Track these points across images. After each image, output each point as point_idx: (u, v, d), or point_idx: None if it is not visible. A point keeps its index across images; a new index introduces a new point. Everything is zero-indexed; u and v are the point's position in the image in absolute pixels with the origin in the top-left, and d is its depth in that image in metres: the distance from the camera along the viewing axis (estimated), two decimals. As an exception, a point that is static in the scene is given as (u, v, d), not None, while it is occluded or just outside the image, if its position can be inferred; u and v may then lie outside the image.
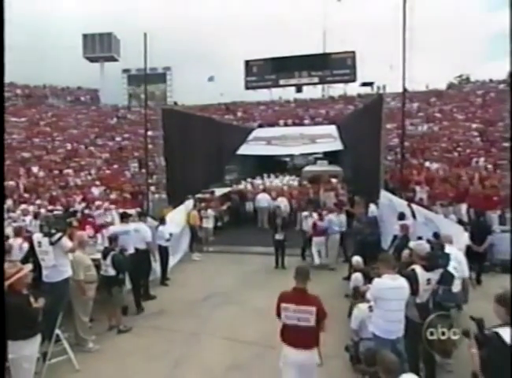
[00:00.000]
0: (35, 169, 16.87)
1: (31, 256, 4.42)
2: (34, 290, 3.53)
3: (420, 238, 4.58)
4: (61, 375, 3.93)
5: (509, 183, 9.76)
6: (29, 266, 3.32)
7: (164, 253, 6.98)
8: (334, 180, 13.52)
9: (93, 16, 50.41)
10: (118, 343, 4.72)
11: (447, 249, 3.81)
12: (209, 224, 9.52)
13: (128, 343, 4.71)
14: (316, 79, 28.08)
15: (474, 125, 18.59)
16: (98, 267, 4.83)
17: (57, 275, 4.29)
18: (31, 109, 27.37)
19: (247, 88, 28.97)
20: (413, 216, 6.81)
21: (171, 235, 7.17)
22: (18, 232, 5.60)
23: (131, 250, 5.60)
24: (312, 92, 29.99)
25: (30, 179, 15.44)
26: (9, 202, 11.04)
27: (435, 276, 3.34)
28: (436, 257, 3.36)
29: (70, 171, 17.05)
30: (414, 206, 7.16)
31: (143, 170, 13.33)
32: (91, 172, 17.07)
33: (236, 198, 12.36)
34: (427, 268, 3.30)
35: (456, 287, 3.79)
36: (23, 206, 9.72)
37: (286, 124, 25.19)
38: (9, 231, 5.94)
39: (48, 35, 50.29)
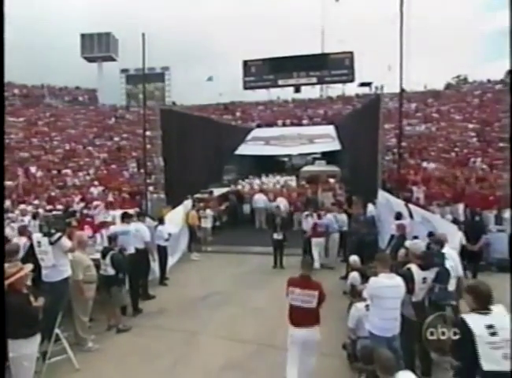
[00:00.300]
0: (33, 169, 16.85)
1: (30, 256, 4.43)
2: (34, 290, 3.56)
3: (416, 237, 4.63)
4: (60, 374, 3.95)
5: (504, 182, 9.87)
6: (29, 266, 3.34)
7: (163, 253, 7.01)
8: (332, 180, 13.58)
9: (91, 16, 50.32)
10: (117, 343, 4.74)
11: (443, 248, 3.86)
12: (207, 224, 9.55)
13: (127, 343, 4.73)
14: (314, 80, 28.11)
15: (471, 125, 18.70)
16: (97, 267, 4.85)
17: (56, 274, 4.31)
18: (28, 108, 27.28)
19: (246, 88, 28.98)
20: (411, 215, 6.87)
21: (170, 235, 7.20)
22: (22, 232, 5.60)
23: (130, 251, 5.62)
24: (310, 92, 30.07)
25: (28, 180, 15.41)
26: (7, 203, 11.02)
27: (430, 274, 3.39)
28: (432, 256, 3.42)
29: (68, 171, 17.03)
30: (411, 206, 7.22)
31: (142, 170, 13.34)
32: (90, 172, 17.05)
33: (234, 198, 12.40)
34: (423, 267, 3.35)
35: (451, 285, 3.84)
36: (22, 206, 9.73)
37: (284, 124, 25.24)
38: (7, 231, 5.95)
39: (46, 35, 50.16)
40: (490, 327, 2.18)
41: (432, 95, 25.71)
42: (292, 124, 25.05)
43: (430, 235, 4.60)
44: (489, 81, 26.16)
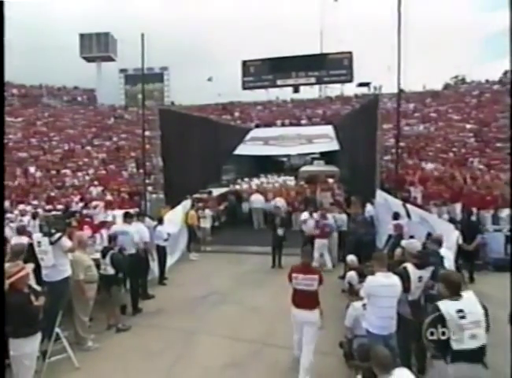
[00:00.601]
0: (32, 170, 16.84)
1: (30, 255, 4.45)
2: (34, 289, 3.58)
3: (412, 237, 4.68)
4: (60, 373, 3.98)
5: (501, 182, 9.94)
6: (31, 265, 3.37)
7: (162, 252, 7.04)
8: (330, 180, 13.60)
9: (90, 16, 50.27)
10: (117, 342, 4.77)
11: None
12: (206, 223, 9.58)
13: (126, 342, 4.76)
14: (313, 80, 28.15)
15: (469, 126, 18.77)
16: (97, 266, 4.87)
17: (56, 274, 4.35)
18: (27, 109, 27.25)
19: (244, 88, 28.99)
20: (408, 215, 6.91)
21: (169, 235, 7.23)
22: (22, 231, 5.62)
23: (130, 251, 5.64)
24: (309, 92, 30.08)
25: (27, 180, 15.41)
26: (6, 203, 11.03)
27: (426, 273, 3.44)
28: (427, 255, 3.46)
29: (67, 171, 17.03)
30: (409, 206, 7.26)
31: (141, 170, 13.36)
32: (89, 172, 17.06)
33: (233, 198, 12.43)
34: (418, 266, 3.40)
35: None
36: (21, 207, 9.75)
37: (283, 124, 25.27)
38: (6, 231, 5.97)
39: (45, 35, 50.06)
40: (460, 311, 2.47)
41: (431, 95, 25.79)
42: (291, 124, 25.08)
43: (428, 235, 4.65)
44: (487, 81, 26.25)
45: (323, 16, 33.39)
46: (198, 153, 12.73)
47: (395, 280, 3.29)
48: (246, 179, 14.98)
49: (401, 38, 9.18)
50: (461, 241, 5.70)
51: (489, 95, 22.95)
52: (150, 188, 11.94)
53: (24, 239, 5.20)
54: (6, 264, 3.18)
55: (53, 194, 13.11)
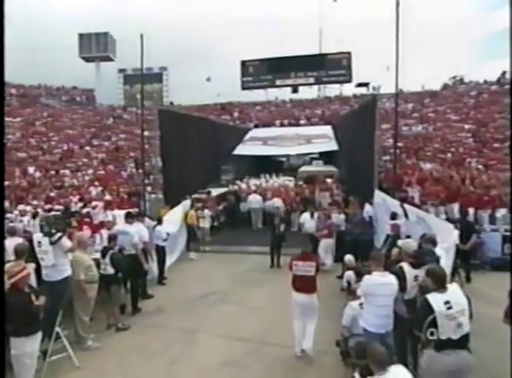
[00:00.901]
0: (31, 170, 16.83)
1: (30, 255, 4.48)
2: (35, 289, 3.61)
3: (408, 236, 4.72)
4: (61, 372, 4.01)
5: (498, 183, 10.00)
6: (32, 265, 3.40)
7: (161, 252, 7.07)
8: (329, 180, 13.64)
9: (89, 16, 50.21)
10: (117, 341, 4.81)
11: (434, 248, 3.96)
12: (205, 224, 9.61)
13: (126, 341, 4.80)
14: (312, 80, 28.21)
15: (467, 126, 18.84)
16: (97, 266, 4.90)
17: (56, 274, 4.38)
18: (25, 108, 27.21)
19: (244, 88, 29.03)
20: (406, 215, 6.97)
21: (168, 234, 7.26)
22: (13, 232, 5.58)
23: (130, 251, 5.66)
24: (308, 92, 30.18)
25: (26, 180, 15.40)
26: (5, 203, 11.03)
27: (422, 272, 3.48)
28: (423, 255, 3.51)
29: (66, 171, 17.03)
30: (407, 206, 7.31)
31: (140, 170, 13.37)
32: (88, 172, 17.06)
33: (232, 198, 12.46)
34: (414, 266, 3.45)
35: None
36: (21, 207, 9.76)
37: (282, 125, 25.30)
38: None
39: (44, 35, 49.96)
40: (447, 302, 2.66)
41: (429, 96, 25.87)
42: (290, 125, 25.12)
43: (423, 236, 4.68)
44: (485, 82, 26.34)
45: (322, 17, 33.32)
46: (197, 153, 12.76)
47: (391, 279, 3.34)
48: (245, 180, 15.01)
49: (399, 39, 9.24)
50: (457, 241, 5.74)
51: (487, 96, 23.04)
52: (149, 188, 11.95)
53: (18, 240, 5.20)
54: (8, 264, 3.21)
55: (52, 194, 13.11)
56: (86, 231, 6.59)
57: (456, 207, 9.18)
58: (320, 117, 26.03)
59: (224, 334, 4.92)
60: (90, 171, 17.25)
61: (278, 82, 28.29)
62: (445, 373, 2.65)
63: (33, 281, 3.83)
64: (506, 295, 3.10)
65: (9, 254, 4.53)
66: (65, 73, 37.54)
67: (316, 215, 8.21)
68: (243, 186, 13.89)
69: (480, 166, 13.18)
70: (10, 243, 4.48)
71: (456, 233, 5.06)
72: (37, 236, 4.51)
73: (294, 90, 28.70)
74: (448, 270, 4.29)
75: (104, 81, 34.22)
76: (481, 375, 3.56)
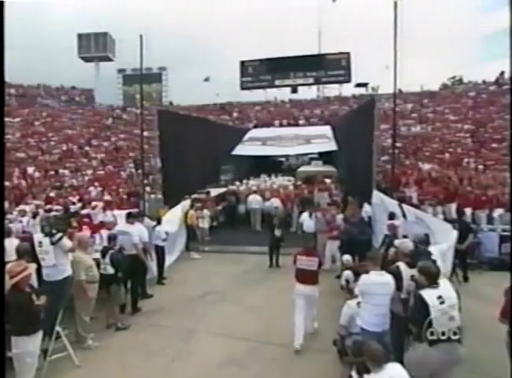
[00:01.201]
0: (30, 170, 16.84)
1: (31, 255, 4.51)
2: (36, 289, 3.65)
3: (405, 236, 4.76)
4: (61, 371, 4.04)
5: (495, 183, 10.06)
6: (33, 265, 3.43)
7: (160, 252, 7.10)
8: (328, 180, 13.68)
9: (88, 16, 50.18)
10: (117, 340, 4.83)
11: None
12: (204, 224, 9.63)
13: (126, 340, 4.83)
14: (311, 80, 28.26)
15: (465, 126, 18.92)
16: (97, 266, 4.93)
17: (57, 274, 4.41)
18: (24, 109, 27.20)
19: (243, 89, 29.07)
20: (404, 215, 7.00)
21: (167, 234, 7.29)
22: (8, 233, 5.57)
23: (130, 251, 5.69)
24: (307, 93, 30.22)
25: (25, 180, 15.41)
26: (5, 204, 11.03)
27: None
28: (419, 255, 3.56)
29: (66, 171, 17.04)
30: (405, 206, 7.35)
31: (139, 171, 13.40)
32: (87, 172, 17.08)
33: (231, 198, 12.48)
34: (410, 265, 3.50)
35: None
36: (20, 207, 9.77)
37: (281, 125, 25.34)
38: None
39: (43, 35, 49.88)
40: (439, 297, 2.79)
41: (428, 96, 25.95)
42: (289, 125, 25.16)
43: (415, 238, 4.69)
44: (484, 82, 26.42)
45: (321, 17, 33.37)
46: (197, 153, 12.78)
47: (388, 278, 3.38)
48: (244, 181, 15.02)
49: (397, 39, 9.25)
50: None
51: (485, 96, 23.13)
52: (148, 188, 11.97)
53: (15, 241, 5.22)
54: (9, 264, 3.24)
55: (52, 194, 13.13)
56: (85, 232, 6.63)
57: (453, 207, 9.24)
58: (319, 117, 26.10)
59: (223, 333, 4.95)
60: (89, 171, 17.28)
61: (277, 82, 28.34)
62: (436, 366, 2.78)
63: (34, 281, 3.86)
64: (503, 294, 3.14)
65: (7, 255, 4.68)
66: (64, 73, 37.59)
67: (314, 215, 8.24)
68: (242, 188, 13.82)
69: (478, 166, 13.26)
70: (6, 244, 4.51)
71: (455, 233, 5.09)
72: (38, 236, 4.54)
73: (294, 90, 28.74)
74: (447, 270, 4.34)
75: (103, 81, 34.25)
76: (479, 374, 3.62)
